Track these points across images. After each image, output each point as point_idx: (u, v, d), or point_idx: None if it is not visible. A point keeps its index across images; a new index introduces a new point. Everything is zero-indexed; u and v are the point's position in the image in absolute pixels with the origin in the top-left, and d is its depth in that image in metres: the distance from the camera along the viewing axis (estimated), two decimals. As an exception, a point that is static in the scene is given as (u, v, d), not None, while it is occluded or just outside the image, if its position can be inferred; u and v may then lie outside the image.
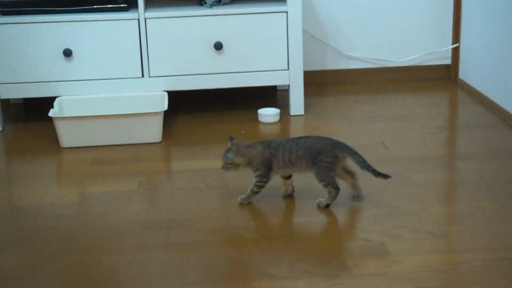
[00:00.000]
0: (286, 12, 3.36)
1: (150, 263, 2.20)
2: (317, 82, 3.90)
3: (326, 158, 2.46)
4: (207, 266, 2.19)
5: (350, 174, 2.52)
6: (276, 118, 3.40)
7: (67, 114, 3.24)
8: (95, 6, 3.33)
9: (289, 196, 2.60)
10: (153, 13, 3.32)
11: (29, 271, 2.18)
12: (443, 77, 3.96)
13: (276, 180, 2.66)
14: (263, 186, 2.53)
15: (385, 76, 3.95)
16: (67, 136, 3.12)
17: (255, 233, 2.39)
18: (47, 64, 3.31)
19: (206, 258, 2.23)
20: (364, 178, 2.52)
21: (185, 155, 3.04)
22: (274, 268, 2.14)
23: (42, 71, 3.32)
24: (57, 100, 3.28)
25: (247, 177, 2.56)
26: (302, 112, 3.46)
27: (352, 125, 3.33)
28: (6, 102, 3.60)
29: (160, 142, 3.16)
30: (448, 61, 3.95)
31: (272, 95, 3.79)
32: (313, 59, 3.90)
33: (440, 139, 3.17)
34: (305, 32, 3.72)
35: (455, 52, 3.90)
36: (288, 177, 2.57)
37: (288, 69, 3.41)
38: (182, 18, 3.34)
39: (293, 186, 2.60)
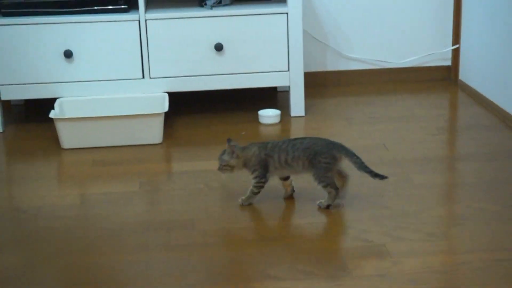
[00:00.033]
0: (287, 13, 3.36)
1: (151, 263, 2.20)
2: (318, 83, 3.90)
3: (324, 159, 2.46)
4: (208, 267, 2.19)
5: (342, 176, 2.53)
6: (277, 119, 3.40)
7: (67, 115, 3.24)
8: (95, 7, 3.33)
9: (290, 197, 2.60)
10: (153, 14, 3.33)
11: (29, 271, 2.19)
12: (443, 78, 3.97)
13: (276, 181, 2.66)
14: (262, 187, 2.53)
15: (385, 77, 3.95)
16: (68, 137, 3.12)
17: (256, 234, 2.39)
18: (47, 65, 3.31)
19: (207, 259, 2.23)
20: (364, 180, 2.52)
21: (185, 156, 3.05)
22: (274, 269, 2.14)
23: (43, 72, 3.32)
24: (57, 101, 3.29)
25: (248, 179, 2.56)
26: (302, 113, 3.46)
27: (352, 126, 3.33)
28: (7, 103, 3.60)
29: (160, 143, 3.16)
30: (449, 62, 3.96)
31: (273, 96, 3.79)
32: (314, 60, 3.91)
33: (440, 140, 3.17)
34: (305, 33, 3.73)
35: (455, 53, 3.90)
36: (286, 178, 2.58)
37: (288, 70, 3.41)
38: (183, 19, 3.34)
39: (293, 187, 2.60)
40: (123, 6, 3.35)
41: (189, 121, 3.45)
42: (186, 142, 3.19)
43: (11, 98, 3.39)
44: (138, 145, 3.14)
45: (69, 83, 3.33)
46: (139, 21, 3.31)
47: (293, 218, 2.50)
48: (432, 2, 3.88)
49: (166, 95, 3.31)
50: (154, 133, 3.15)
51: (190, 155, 3.05)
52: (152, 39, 3.33)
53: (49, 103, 3.29)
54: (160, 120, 3.14)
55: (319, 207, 2.52)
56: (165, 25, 3.33)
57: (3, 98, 3.34)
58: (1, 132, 3.37)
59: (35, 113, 3.64)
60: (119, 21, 3.31)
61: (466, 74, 3.81)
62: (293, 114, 3.47)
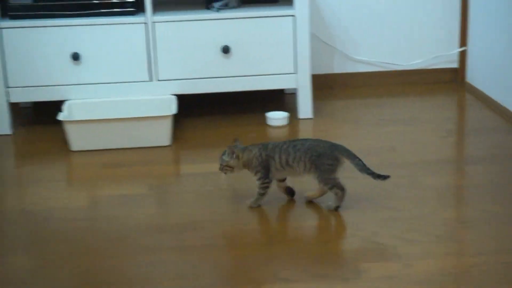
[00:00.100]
0: (294, 15, 3.36)
1: (161, 266, 2.21)
2: (325, 85, 3.91)
3: (327, 160, 2.47)
4: (218, 269, 2.19)
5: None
6: (285, 122, 3.40)
7: (76, 117, 3.25)
8: (103, 10, 3.34)
9: (291, 199, 2.60)
10: (161, 17, 3.33)
11: (40, 273, 2.19)
12: (451, 81, 3.97)
13: (289, 184, 2.67)
14: (267, 187, 2.54)
15: (393, 80, 3.96)
16: (77, 140, 3.12)
17: (266, 236, 2.40)
18: (56, 67, 3.32)
19: (217, 261, 2.24)
20: (373, 182, 2.52)
21: (194, 158, 3.05)
22: (285, 271, 2.15)
23: (51, 75, 3.33)
24: (66, 103, 3.29)
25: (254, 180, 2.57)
26: (310, 116, 3.47)
27: (360, 128, 3.34)
28: (15, 106, 3.60)
29: (169, 146, 3.17)
30: (456, 65, 3.96)
31: (280, 99, 3.80)
32: (321, 62, 3.91)
33: (448, 143, 3.17)
34: (312, 35, 3.73)
35: (462, 55, 3.91)
36: (283, 180, 2.58)
37: (295, 72, 3.42)
38: (190, 22, 3.35)
39: (291, 188, 2.60)
40: (130, 9, 3.35)
41: (197, 123, 3.45)
42: (195, 144, 3.20)
43: (20, 101, 3.40)
44: (147, 147, 3.15)
45: (77, 86, 3.34)
46: (146, 23, 3.32)
47: (303, 220, 2.50)
48: (439, 4, 3.88)
49: (174, 97, 3.32)
50: (162, 135, 3.15)
51: (199, 157, 3.05)
52: (159, 41, 3.34)
53: (58, 105, 3.30)
54: (169, 122, 3.15)
55: (328, 210, 2.52)
56: (172, 27, 3.34)
57: (12, 101, 3.34)
58: (10, 135, 3.37)
59: (44, 115, 3.65)
60: (126, 23, 3.32)
61: (473, 76, 3.81)
62: (301, 116, 3.47)
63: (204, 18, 3.35)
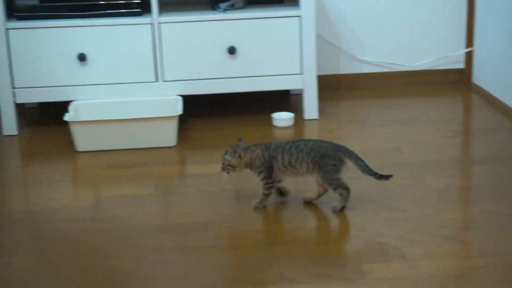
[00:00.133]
0: (300, 16, 3.36)
1: (165, 266, 2.21)
2: (330, 86, 3.90)
3: (331, 161, 2.47)
4: (222, 270, 2.19)
5: (322, 187, 2.55)
6: (290, 122, 3.41)
7: (82, 118, 3.26)
8: (109, 11, 3.35)
9: (283, 199, 2.61)
10: (167, 18, 3.34)
11: (44, 273, 2.20)
12: (457, 81, 3.96)
13: (291, 185, 2.67)
14: (271, 187, 2.54)
15: (398, 80, 3.95)
16: (83, 140, 3.13)
17: (270, 237, 2.40)
18: (62, 68, 3.33)
19: (221, 261, 2.24)
20: (378, 183, 2.52)
21: (200, 159, 3.05)
22: (289, 272, 2.15)
23: (57, 76, 3.33)
24: (72, 104, 3.30)
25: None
26: (316, 116, 3.47)
27: (366, 129, 3.33)
28: (21, 106, 3.61)
29: (175, 146, 3.17)
30: (462, 65, 3.95)
31: (286, 99, 3.80)
32: (326, 63, 3.91)
33: (454, 143, 3.17)
34: (318, 36, 3.73)
35: (469, 56, 3.90)
36: (279, 181, 2.59)
37: (301, 73, 3.42)
38: (196, 22, 3.35)
39: (286, 188, 2.61)
40: (136, 10, 3.36)
41: (203, 124, 3.46)
42: (200, 145, 3.20)
43: (26, 101, 3.41)
44: (153, 148, 3.15)
45: (83, 86, 3.35)
46: (152, 24, 3.33)
47: (307, 221, 2.50)
48: (445, 5, 3.88)
49: (180, 98, 3.32)
50: (168, 136, 3.16)
51: (204, 158, 3.05)
52: (165, 42, 3.34)
53: (63, 106, 3.31)
54: (174, 123, 3.15)
55: (334, 210, 2.52)
56: (178, 28, 3.34)
57: (18, 101, 3.35)
58: (16, 135, 3.38)
59: (50, 116, 3.65)
60: (133, 24, 3.33)
61: (480, 77, 3.80)
62: (306, 117, 3.47)
63: (210, 19, 3.36)
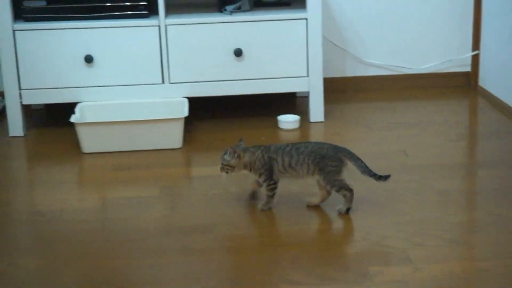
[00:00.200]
0: (306, 19, 3.36)
1: (170, 267, 2.21)
2: (336, 89, 3.90)
3: (331, 162, 2.47)
4: (227, 272, 2.19)
5: (325, 190, 2.55)
6: (296, 125, 3.40)
7: (88, 119, 3.26)
8: (116, 13, 3.35)
9: (253, 198, 2.62)
10: (173, 20, 3.34)
11: (50, 274, 2.20)
12: (463, 85, 3.96)
13: (296, 187, 2.67)
14: (274, 188, 2.54)
15: (405, 83, 3.95)
16: (89, 142, 3.14)
17: (275, 239, 2.40)
18: (68, 70, 3.34)
19: (226, 263, 2.24)
20: (383, 186, 2.52)
21: (205, 161, 3.06)
22: (294, 274, 2.14)
23: (64, 77, 3.34)
24: (78, 105, 3.31)
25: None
26: (322, 119, 3.47)
27: (372, 132, 3.33)
28: (28, 108, 3.62)
29: (180, 148, 3.18)
30: (468, 68, 3.95)
31: (292, 102, 3.80)
32: (332, 66, 3.91)
33: (460, 147, 3.16)
34: (324, 39, 3.72)
35: (475, 59, 3.89)
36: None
37: (307, 75, 3.42)
38: (203, 24, 3.35)
39: (256, 194, 2.62)
40: (143, 12, 3.36)
41: (208, 126, 3.46)
42: (206, 147, 3.20)
43: (33, 103, 3.41)
44: (158, 150, 3.15)
45: (90, 88, 3.35)
46: (159, 26, 3.33)
47: (312, 223, 2.50)
48: (452, 8, 3.87)
49: (186, 100, 3.33)
50: (174, 138, 3.16)
51: (210, 160, 3.05)
52: (172, 44, 3.35)
53: (70, 107, 3.31)
54: (180, 125, 3.15)
55: (340, 213, 2.52)
56: (185, 30, 3.34)
57: (24, 103, 3.36)
58: (22, 136, 3.39)
59: (56, 117, 3.66)
60: (139, 26, 3.33)
61: (486, 80, 3.80)
62: (312, 119, 3.47)
63: (216, 21, 3.36)
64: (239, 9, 3.44)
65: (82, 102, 3.34)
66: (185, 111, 3.22)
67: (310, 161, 2.48)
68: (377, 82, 3.94)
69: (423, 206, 2.57)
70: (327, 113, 3.52)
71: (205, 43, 3.36)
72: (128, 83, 3.36)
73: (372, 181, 2.51)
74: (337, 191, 2.49)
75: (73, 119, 3.16)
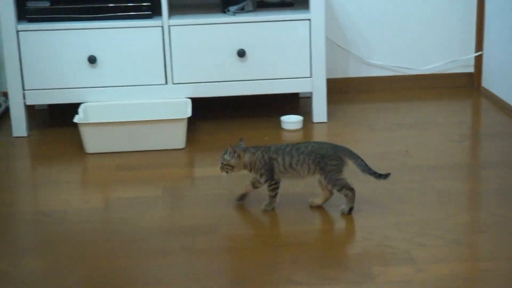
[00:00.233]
0: (309, 19, 3.37)
1: (174, 268, 2.21)
2: (339, 89, 3.90)
3: (331, 161, 2.48)
4: (231, 272, 2.20)
5: (329, 189, 2.55)
6: (299, 126, 3.41)
7: (92, 120, 3.27)
8: (119, 14, 3.36)
9: (243, 198, 2.62)
10: (177, 20, 3.35)
11: (54, 275, 2.20)
12: (466, 85, 3.96)
13: (299, 188, 2.67)
14: (277, 188, 2.55)
15: (408, 84, 3.95)
16: (92, 142, 3.14)
17: (279, 240, 2.40)
18: (72, 70, 3.34)
19: (230, 264, 2.24)
20: (386, 186, 2.52)
21: (208, 162, 3.06)
22: (298, 275, 2.15)
23: (67, 78, 3.35)
24: (82, 106, 3.31)
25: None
26: (325, 120, 3.47)
27: (375, 132, 3.33)
28: (31, 108, 3.63)
29: (184, 149, 3.18)
30: (471, 69, 3.95)
31: (295, 102, 3.80)
32: (335, 66, 3.91)
33: (463, 147, 3.16)
34: (327, 39, 3.73)
35: (478, 60, 3.89)
36: (255, 187, 2.60)
37: (311, 76, 3.42)
38: (206, 25, 3.36)
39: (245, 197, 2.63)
40: (146, 12, 3.37)
41: (212, 126, 3.46)
42: (209, 147, 3.21)
43: (36, 103, 3.42)
44: (161, 150, 3.16)
45: (93, 88, 3.36)
46: (162, 27, 3.34)
47: (314, 223, 2.50)
48: (455, 9, 3.88)
49: (189, 101, 3.33)
50: (177, 138, 3.17)
51: (213, 160, 3.04)
52: (175, 45, 3.35)
53: (73, 107, 3.32)
54: (183, 126, 3.16)
55: (343, 214, 2.52)
56: (188, 31, 3.35)
57: (28, 103, 3.37)
58: (26, 137, 3.40)
59: (59, 117, 3.67)
60: (142, 27, 3.34)
61: (489, 81, 3.80)
62: (315, 120, 3.47)
63: (220, 22, 3.36)
64: (242, 10, 3.44)
65: (86, 102, 3.35)
66: (188, 112, 3.22)
67: (310, 161, 2.49)
68: (380, 82, 3.95)
69: (425, 206, 2.57)
70: (330, 114, 3.52)
71: (208, 43, 3.36)
72: (131, 83, 3.37)
73: (374, 181, 2.51)
74: (339, 190, 2.50)
75: (76, 119, 3.17)
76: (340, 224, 2.48)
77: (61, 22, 3.33)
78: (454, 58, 3.94)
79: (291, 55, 3.39)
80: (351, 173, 2.54)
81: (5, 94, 3.66)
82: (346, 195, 2.50)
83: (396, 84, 3.95)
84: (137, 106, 3.35)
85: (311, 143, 2.54)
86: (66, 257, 2.31)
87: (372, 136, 3.29)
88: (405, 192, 2.67)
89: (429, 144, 3.16)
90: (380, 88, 3.94)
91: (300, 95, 3.87)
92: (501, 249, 2.27)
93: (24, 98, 3.35)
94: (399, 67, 3.94)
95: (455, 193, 2.68)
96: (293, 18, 3.37)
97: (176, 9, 3.58)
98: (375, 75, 3.95)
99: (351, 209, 2.51)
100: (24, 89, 3.34)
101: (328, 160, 2.48)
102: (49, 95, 3.36)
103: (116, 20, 3.35)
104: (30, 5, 3.33)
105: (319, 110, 3.47)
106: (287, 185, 2.63)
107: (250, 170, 2.55)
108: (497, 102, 3.64)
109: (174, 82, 3.38)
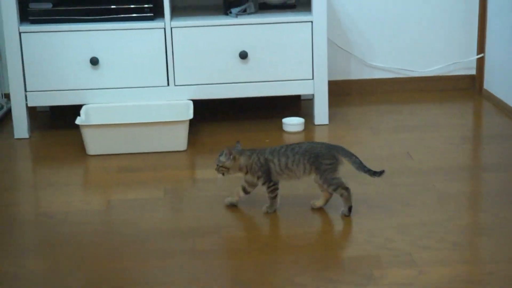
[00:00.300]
0: (311, 21, 3.37)
1: (175, 270, 2.21)
2: (341, 91, 3.90)
3: (326, 160, 2.48)
4: (233, 274, 2.20)
5: (327, 192, 2.55)
6: (301, 128, 3.41)
7: (93, 122, 3.27)
8: (122, 15, 3.36)
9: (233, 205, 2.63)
10: (179, 22, 3.35)
11: (55, 276, 2.20)
12: (468, 88, 3.95)
13: (299, 189, 2.67)
14: (276, 189, 2.55)
15: (409, 86, 3.95)
16: (94, 144, 3.14)
17: (281, 242, 2.40)
18: (74, 72, 3.34)
19: (232, 265, 2.24)
20: (388, 188, 2.52)
21: (210, 164, 3.04)
22: (300, 277, 2.15)
23: (69, 79, 3.35)
24: (83, 108, 3.31)
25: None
26: (326, 122, 3.47)
27: (376, 135, 3.33)
28: (33, 110, 3.63)
29: (185, 151, 3.18)
30: (473, 72, 3.95)
31: (296, 104, 3.80)
32: (337, 68, 3.91)
33: (465, 150, 3.16)
34: (329, 41, 3.73)
35: (480, 62, 3.89)
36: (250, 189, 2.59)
37: (312, 78, 3.42)
38: (208, 27, 3.36)
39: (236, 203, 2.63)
40: (149, 14, 3.37)
41: (213, 128, 3.46)
42: (211, 149, 3.20)
43: (38, 105, 3.42)
44: (163, 152, 3.16)
45: (95, 90, 3.36)
46: (164, 29, 3.34)
47: (318, 226, 2.50)
48: (457, 11, 3.87)
49: (191, 103, 3.33)
50: (179, 140, 3.17)
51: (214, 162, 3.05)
52: (177, 46, 3.35)
53: (75, 109, 3.32)
54: (185, 127, 3.16)
55: (344, 215, 2.52)
56: (190, 33, 3.35)
57: (30, 105, 3.37)
58: (27, 138, 3.40)
59: (61, 119, 3.67)
60: (145, 28, 3.34)
61: (491, 84, 3.79)
62: (317, 122, 3.47)
63: (222, 24, 3.36)
64: (244, 12, 3.44)
65: (87, 104, 3.35)
66: (190, 114, 3.22)
67: (305, 161, 2.49)
68: (382, 85, 3.95)
69: (427, 208, 2.57)
70: (331, 116, 3.52)
71: (210, 45, 3.36)
72: (133, 85, 3.37)
73: (376, 183, 2.51)
74: (334, 190, 2.50)
75: (78, 121, 3.17)
76: (341, 226, 2.48)
77: (63, 24, 3.33)
78: (456, 60, 3.94)
79: (293, 57, 3.39)
80: (351, 174, 2.54)
81: (7, 96, 3.67)
82: (341, 195, 2.50)
83: (397, 86, 3.95)
84: (139, 108, 3.35)
85: (305, 143, 2.55)
86: (67, 258, 2.31)
87: (374, 138, 3.29)
88: (407, 194, 2.67)
89: (430, 146, 3.16)
90: (381, 90, 3.94)
91: (302, 97, 3.87)
92: (503, 251, 2.27)
93: (26, 99, 3.35)
94: (401, 69, 3.94)
95: (457, 195, 2.68)
96: (295, 20, 3.38)
97: (178, 11, 3.59)
98: (376, 77, 3.95)
99: (350, 208, 2.51)
100: (26, 91, 3.35)
101: (322, 159, 2.48)
102: (51, 97, 3.36)
103: (118, 22, 3.35)
104: (33, 6, 3.33)
105: (321, 112, 3.46)
106: (289, 187, 2.63)
107: (246, 173, 2.55)
108: (499, 104, 3.63)
109: (176, 84, 3.38)
